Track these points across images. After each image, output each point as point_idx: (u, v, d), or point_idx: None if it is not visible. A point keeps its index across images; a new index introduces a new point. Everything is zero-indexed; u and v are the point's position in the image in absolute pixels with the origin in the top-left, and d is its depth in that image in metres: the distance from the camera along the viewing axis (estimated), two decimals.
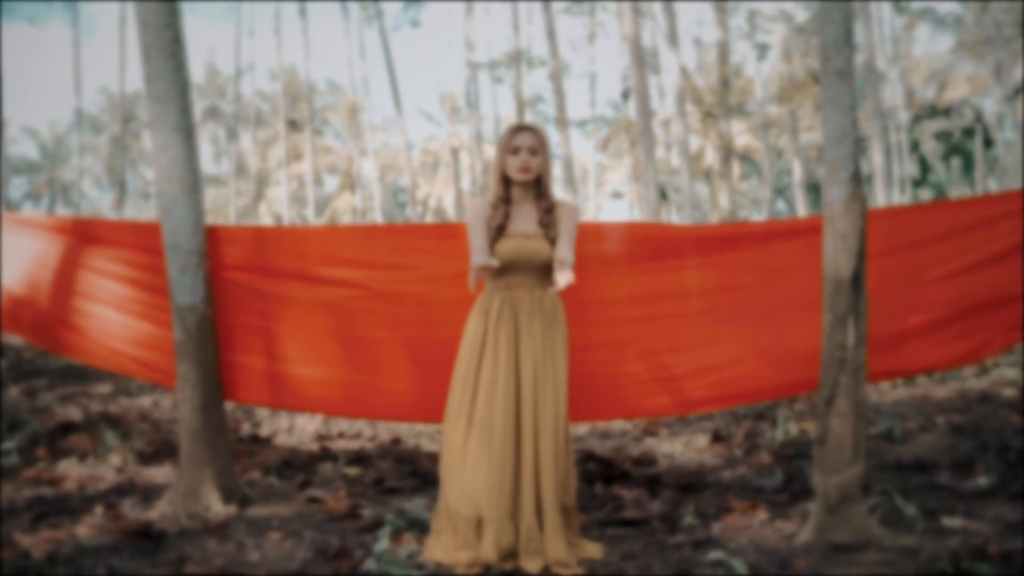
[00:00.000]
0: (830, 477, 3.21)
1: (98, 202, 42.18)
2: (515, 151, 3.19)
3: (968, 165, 32.11)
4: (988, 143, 30.22)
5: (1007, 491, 3.79)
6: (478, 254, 3.07)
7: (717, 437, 5.04)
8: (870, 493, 3.53)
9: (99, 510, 3.74)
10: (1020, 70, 24.60)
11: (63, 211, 42.71)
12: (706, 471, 4.40)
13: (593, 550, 3.18)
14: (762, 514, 3.58)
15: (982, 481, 3.93)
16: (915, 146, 31.78)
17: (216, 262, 3.86)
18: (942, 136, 32.11)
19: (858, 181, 3.25)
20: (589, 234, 3.73)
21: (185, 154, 3.74)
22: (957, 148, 32.23)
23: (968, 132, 31.48)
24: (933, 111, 31.83)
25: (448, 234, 3.90)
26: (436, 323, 3.79)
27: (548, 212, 3.24)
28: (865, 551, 3.04)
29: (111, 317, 4.08)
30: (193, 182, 3.76)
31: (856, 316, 3.24)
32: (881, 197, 10.24)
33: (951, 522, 3.37)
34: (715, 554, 2.96)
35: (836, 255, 3.23)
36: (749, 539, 3.28)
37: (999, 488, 3.84)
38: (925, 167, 32.69)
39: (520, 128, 3.25)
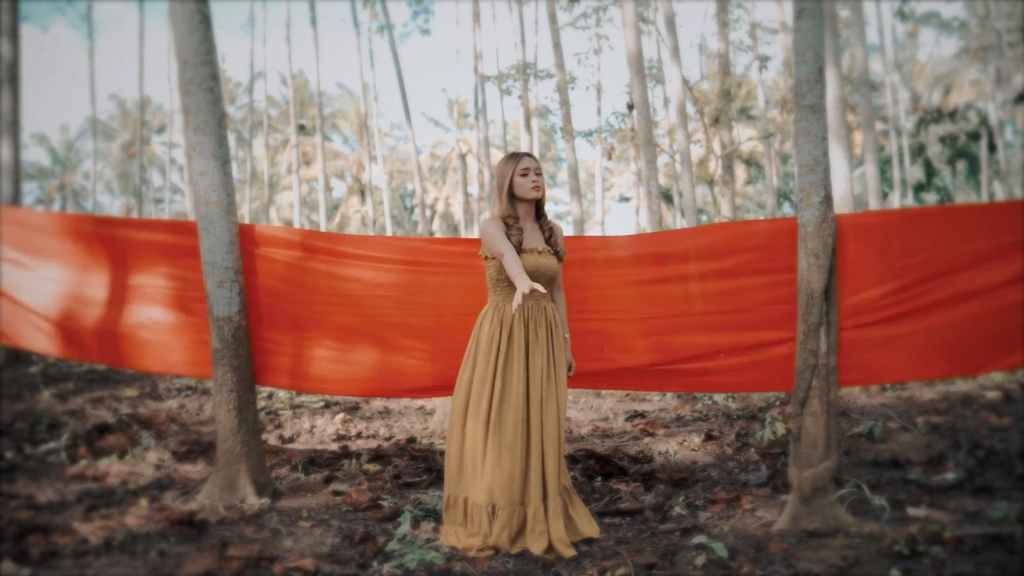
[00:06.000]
0: (804, 471, 3.57)
1: (109, 207, 42.70)
2: (524, 173, 3.60)
3: (973, 169, 32.31)
4: (993, 147, 30.44)
5: (972, 485, 4.14)
6: (521, 278, 3.27)
7: (710, 436, 5.40)
8: (843, 486, 3.88)
9: (144, 502, 4.12)
10: (1021, 76, 24.86)
11: None
12: (697, 467, 4.76)
13: (591, 529, 3.59)
14: (745, 505, 3.95)
15: (950, 476, 4.28)
16: (920, 150, 32.01)
17: (248, 258, 4.25)
18: (947, 140, 32.33)
19: (829, 204, 3.60)
20: (595, 244, 4.17)
21: (222, 179, 4.12)
22: (962, 152, 32.43)
23: (973, 136, 31.70)
24: (938, 115, 32.06)
25: (453, 246, 4.31)
26: (448, 312, 4.19)
27: (551, 231, 3.66)
28: (834, 537, 3.40)
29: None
30: (228, 204, 4.14)
31: (828, 326, 3.61)
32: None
33: (916, 512, 3.71)
34: (699, 539, 3.32)
35: (809, 271, 3.59)
36: (731, 526, 3.66)
37: (965, 482, 4.19)
38: (930, 171, 32.89)
39: (523, 153, 3.67)
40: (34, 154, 46.58)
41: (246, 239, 4.25)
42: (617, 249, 4.19)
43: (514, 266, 3.36)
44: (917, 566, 3.05)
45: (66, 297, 4.66)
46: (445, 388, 4.22)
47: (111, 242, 4.55)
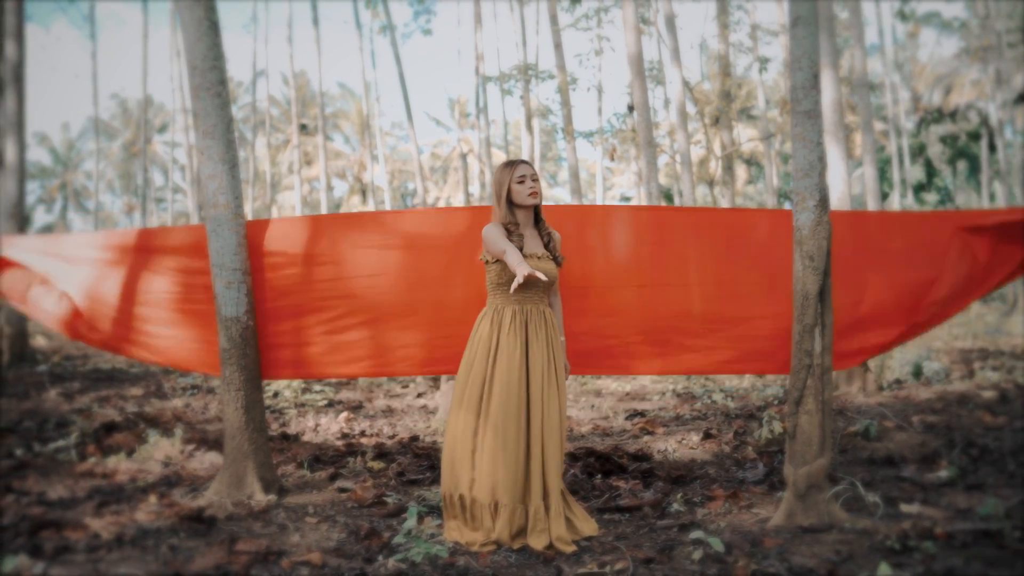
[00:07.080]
0: (799, 468, 3.65)
1: (110, 207, 42.82)
2: (521, 180, 3.69)
3: (974, 169, 32.37)
4: (993, 147, 30.49)
5: (964, 482, 4.23)
6: (523, 267, 3.37)
7: (708, 435, 5.49)
8: (837, 483, 3.96)
9: (153, 498, 4.21)
10: (1021, 77, 24.93)
11: (75, 216, 43.40)
12: (696, 465, 4.85)
13: (590, 528, 3.66)
14: (742, 501, 4.03)
15: (943, 474, 4.36)
16: (921, 150, 32.07)
17: (255, 251, 4.32)
18: (948, 140, 32.39)
19: (824, 208, 3.69)
20: (596, 218, 4.30)
21: (230, 183, 4.21)
22: (963, 152, 32.49)
23: (973, 136, 31.76)
24: (939, 115, 32.12)
25: (455, 215, 4.42)
26: (452, 284, 4.25)
27: (549, 237, 3.75)
28: (828, 532, 3.48)
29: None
30: (236, 207, 4.22)
31: (822, 327, 3.69)
32: None
33: (908, 508, 3.80)
34: (696, 534, 3.41)
35: (804, 273, 3.67)
36: (728, 522, 3.74)
37: (957, 480, 4.27)
38: (931, 171, 32.96)
39: (519, 161, 3.75)
40: (36, 153, 46.80)
41: (250, 236, 4.33)
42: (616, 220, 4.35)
43: (514, 257, 3.45)
44: (908, 560, 3.13)
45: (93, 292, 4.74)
46: (441, 363, 4.32)
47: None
